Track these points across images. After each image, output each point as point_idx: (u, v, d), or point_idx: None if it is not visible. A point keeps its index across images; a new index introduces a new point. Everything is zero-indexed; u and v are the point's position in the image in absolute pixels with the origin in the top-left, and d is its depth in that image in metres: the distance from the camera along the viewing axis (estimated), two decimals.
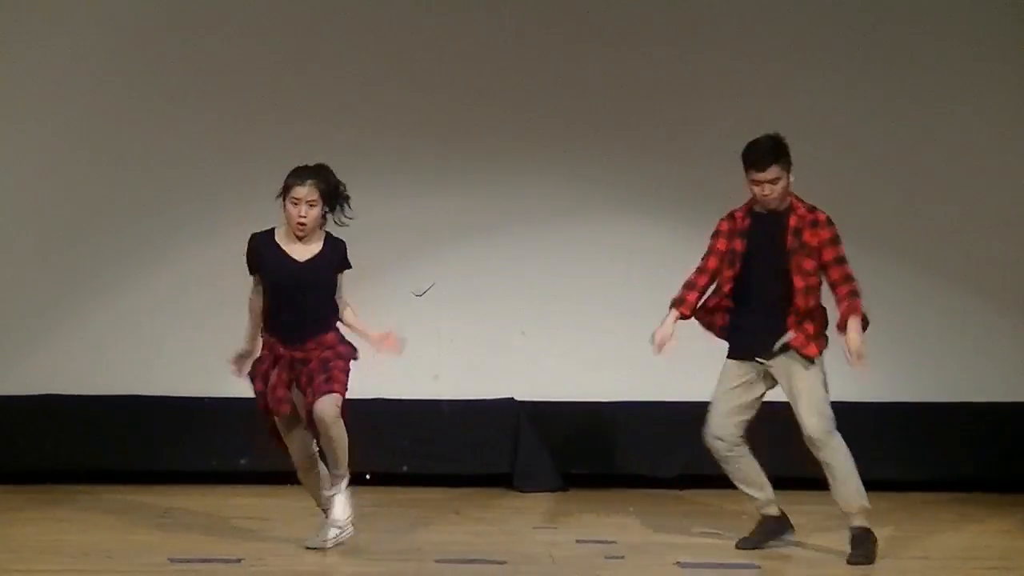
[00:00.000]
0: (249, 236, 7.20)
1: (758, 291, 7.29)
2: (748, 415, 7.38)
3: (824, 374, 7.37)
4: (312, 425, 7.10)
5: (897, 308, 9.38)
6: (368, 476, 9.20)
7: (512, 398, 9.33)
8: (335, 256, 7.19)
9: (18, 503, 8.39)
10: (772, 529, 7.49)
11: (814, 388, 7.30)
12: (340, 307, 7.26)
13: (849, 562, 7.16)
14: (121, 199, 9.26)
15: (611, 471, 9.24)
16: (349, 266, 7.22)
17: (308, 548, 7.17)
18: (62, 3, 9.30)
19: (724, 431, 7.35)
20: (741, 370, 7.36)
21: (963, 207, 9.41)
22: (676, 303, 7.37)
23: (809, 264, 7.24)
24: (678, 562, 7.05)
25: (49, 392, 9.19)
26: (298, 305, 7.10)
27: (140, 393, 9.08)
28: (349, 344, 7.26)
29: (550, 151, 9.34)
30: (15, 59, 9.24)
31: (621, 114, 9.33)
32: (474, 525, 8.02)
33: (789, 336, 7.23)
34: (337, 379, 7.09)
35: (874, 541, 7.24)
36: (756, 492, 7.45)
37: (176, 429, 9.05)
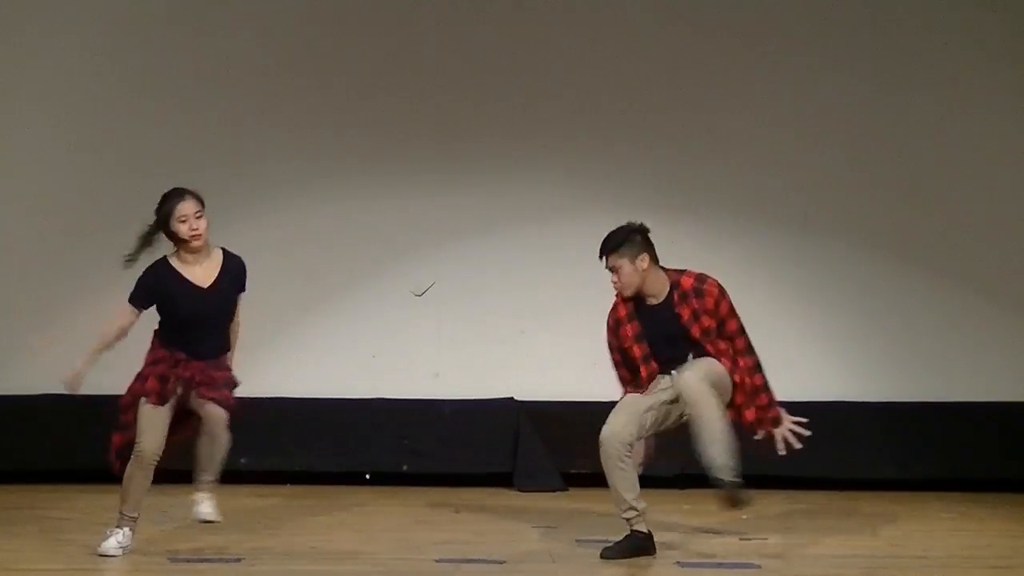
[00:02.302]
0: (143, 271, 7.10)
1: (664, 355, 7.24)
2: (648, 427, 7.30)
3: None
4: (191, 426, 7.10)
5: (897, 307, 9.40)
6: (368, 475, 9.22)
7: (512, 397, 9.33)
8: (237, 277, 7.11)
9: (19, 502, 8.39)
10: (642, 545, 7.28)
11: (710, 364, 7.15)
12: (231, 328, 7.15)
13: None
14: (122, 198, 9.24)
15: None
16: (244, 289, 7.11)
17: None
18: (62, 4, 9.30)
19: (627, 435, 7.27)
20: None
21: (963, 207, 9.41)
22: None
23: (707, 321, 7.18)
24: (678, 562, 7.05)
25: (49, 392, 9.17)
26: (202, 329, 7.04)
27: None
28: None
29: (550, 150, 9.35)
30: (15, 59, 9.24)
31: (622, 113, 9.33)
32: (474, 524, 8.01)
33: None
34: (232, 398, 7.02)
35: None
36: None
37: None
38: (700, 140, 9.07)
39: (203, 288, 7.04)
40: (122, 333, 7.19)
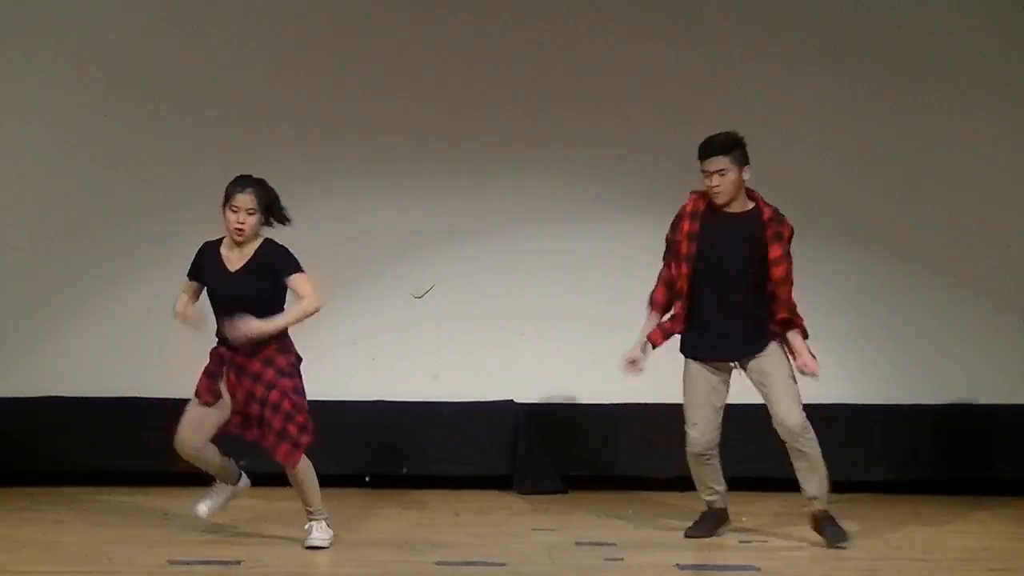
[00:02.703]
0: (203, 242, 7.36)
1: (725, 292, 7.39)
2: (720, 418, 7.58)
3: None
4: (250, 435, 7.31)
5: (896, 310, 9.40)
6: (368, 478, 9.22)
7: (512, 400, 9.33)
8: (268, 263, 7.20)
9: (19, 504, 8.40)
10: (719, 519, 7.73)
11: (791, 381, 7.44)
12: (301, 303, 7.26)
13: (831, 545, 7.39)
14: (121, 200, 9.27)
15: (610, 473, 9.24)
16: (291, 270, 7.20)
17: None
18: (63, 4, 9.30)
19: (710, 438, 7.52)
20: (710, 372, 7.51)
21: (963, 208, 9.41)
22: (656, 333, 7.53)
23: (779, 271, 7.41)
24: (677, 564, 7.05)
25: (50, 394, 9.19)
26: (232, 314, 7.13)
27: (140, 395, 9.07)
28: (289, 353, 7.27)
29: (551, 152, 9.35)
30: (15, 60, 9.24)
31: (623, 114, 9.33)
32: (474, 527, 8.02)
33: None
34: (295, 421, 7.16)
35: (835, 521, 7.52)
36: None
37: (174, 431, 9.03)
38: (699, 142, 9.03)
39: (230, 272, 7.24)
40: (188, 303, 7.39)
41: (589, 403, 9.29)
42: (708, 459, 7.58)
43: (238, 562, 6.90)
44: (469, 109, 9.35)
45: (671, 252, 7.52)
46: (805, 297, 9.35)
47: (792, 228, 7.51)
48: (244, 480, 7.61)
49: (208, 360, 7.35)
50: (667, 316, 7.55)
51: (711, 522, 7.72)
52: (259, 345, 7.16)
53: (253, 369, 7.19)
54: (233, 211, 7.19)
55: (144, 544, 7.30)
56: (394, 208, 9.32)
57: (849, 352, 9.37)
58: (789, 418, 7.38)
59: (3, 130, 9.24)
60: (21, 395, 9.13)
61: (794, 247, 9.36)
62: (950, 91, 9.39)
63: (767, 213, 7.43)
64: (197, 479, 8.69)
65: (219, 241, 7.33)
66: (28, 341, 9.21)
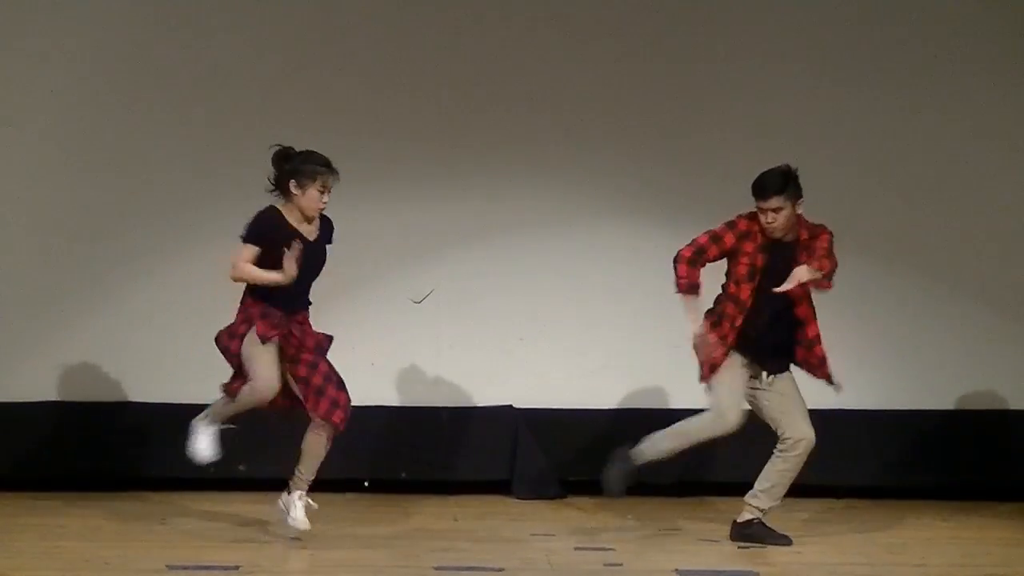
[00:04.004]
0: (266, 207, 7.53)
1: (771, 309, 7.59)
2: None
3: None
4: (291, 407, 7.57)
5: (896, 315, 9.39)
6: (367, 482, 9.21)
7: (510, 405, 9.33)
8: (327, 233, 7.66)
9: (17, 509, 8.39)
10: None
11: (801, 399, 7.74)
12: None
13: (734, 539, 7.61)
14: (123, 203, 9.26)
15: None
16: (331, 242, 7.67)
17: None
18: (64, 4, 9.30)
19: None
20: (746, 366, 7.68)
21: (965, 213, 9.40)
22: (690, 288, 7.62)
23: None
24: (676, 569, 7.05)
25: (47, 399, 9.18)
26: (304, 281, 7.52)
27: (138, 400, 9.07)
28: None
29: (550, 156, 9.34)
30: (16, 59, 9.25)
31: (622, 118, 9.33)
32: (472, 532, 8.01)
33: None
34: (342, 396, 7.54)
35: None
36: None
37: (174, 436, 9.02)
38: (700, 146, 9.07)
39: (311, 241, 7.53)
40: (253, 270, 7.52)
41: (588, 408, 9.28)
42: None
43: (236, 567, 6.90)
44: (469, 115, 9.34)
45: (726, 253, 7.64)
46: None
47: (830, 233, 7.71)
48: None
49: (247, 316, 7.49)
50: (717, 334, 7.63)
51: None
52: (304, 311, 7.62)
53: (309, 343, 7.56)
54: (320, 191, 7.46)
55: (142, 549, 7.30)
56: (393, 213, 9.32)
57: (848, 357, 9.32)
58: (808, 433, 7.63)
59: (3, 132, 9.23)
60: (19, 400, 9.12)
61: None
62: (952, 95, 9.38)
63: (803, 235, 7.63)
64: (196, 484, 8.73)
65: (276, 211, 7.51)
66: (27, 346, 9.19)
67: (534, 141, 9.33)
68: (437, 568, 6.95)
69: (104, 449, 9.11)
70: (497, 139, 9.34)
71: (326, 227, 7.62)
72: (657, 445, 7.68)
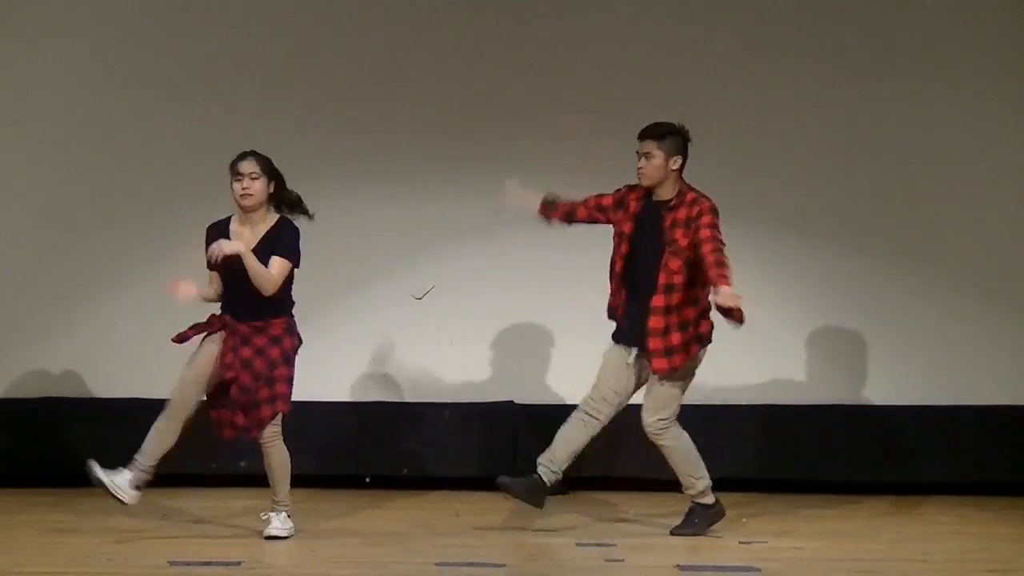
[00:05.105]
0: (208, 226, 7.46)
1: (640, 280, 7.60)
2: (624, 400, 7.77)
3: (683, 380, 7.66)
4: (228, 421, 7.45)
5: (895, 310, 9.38)
6: (368, 479, 9.21)
7: (512, 401, 9.32)
8: (272, 240, 7.34)
9: (18, 506, 8.39)
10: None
11: (666, 390, 7.63)
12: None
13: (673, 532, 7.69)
14: (124, 199, 9.27)
15: (611, 474, 9.23)
16: (281, 252, 7.31)
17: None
18: (64, 4, 9.30)
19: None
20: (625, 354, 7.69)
21: (963, 210, 9.39)
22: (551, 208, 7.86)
23: (675, 264, 7.51)
24: (678, 565, 7.04)
25: (49, 395, 9.18)
26: (242, 290, 7.29)
27: (140, 396, 9.06)
28: (294, 335, 7.42)
29: (552, 153, 9.33)
30: (16, 58, 9.25)
31: (624, 115, 9.29)
32: (474, 528, 8.00)
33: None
34: (280, 395, 7.34)
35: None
36: None
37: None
38: (698, 141, 9.00)
39: (250, 248, 7.27)
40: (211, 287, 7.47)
41: None
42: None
43: (238, 563, 6.89)
44: (470, 111, 9.34)
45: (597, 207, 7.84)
46: (804, 299, 9.40)
47: (710, 205, 7.62)
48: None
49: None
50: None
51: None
52: (269, 318, 7.30)
53: (258, 343, 7.31)
54: (237, 179, 7.31)
55: (144, 545, 7.30)
56: (394, 209, 9.32)
57: (848, 353, 9.37)
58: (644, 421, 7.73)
59: (5, 130, 9.23)
60: (19, 396, 9.13)
61: (794, 249, 9.41)
62: (951, 92, 9.37)
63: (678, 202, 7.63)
64: (198, 480, 8.73)
65: (227, 220, 7.41)
66: (27, 342, 9.20)
67: (537, 137, 9.32)
68: (439, 564, 6.94)
69: (105, 445, 9.10)
70: (500, 135, 9.34)
71: (276, 234, 7.38)
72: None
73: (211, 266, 7.32)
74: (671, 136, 7.62)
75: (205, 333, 7.42)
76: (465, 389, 9.31)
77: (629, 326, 7.65)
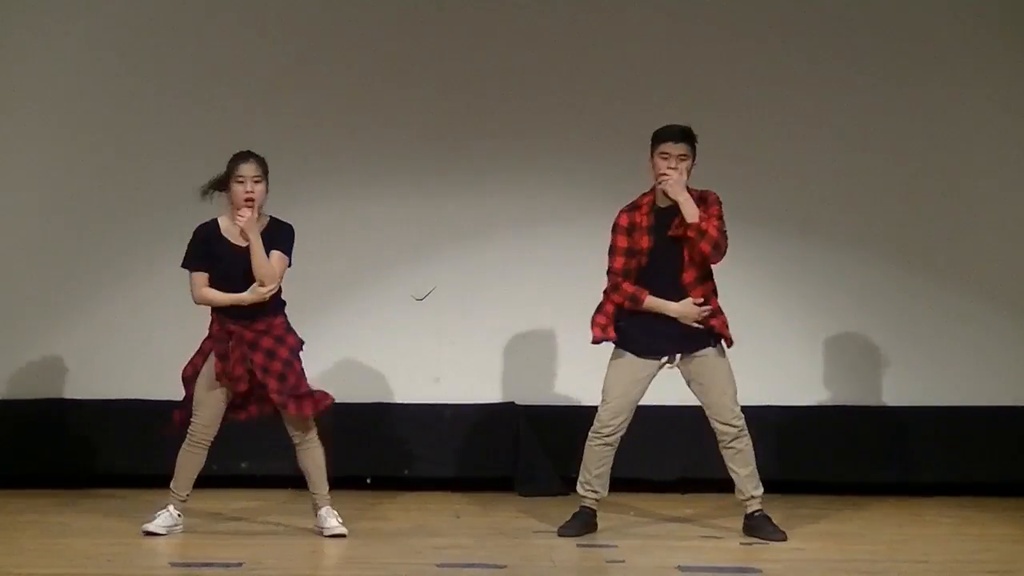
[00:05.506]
0: (195, 228, 7.43)
1: (663, 285, 7.56)
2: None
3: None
4: (264, 413, 7.49)
5: (897, 311, 9.39)
6: (369, 479, 9.22)
7: (513, 402, 9.33)
8: (274, 238, 7.35)
9: (19, 507, 8.39)
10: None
11: (730, 379, 7.59)
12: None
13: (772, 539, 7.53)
14: (125, 198, 9.27)
15: (611, 474, 9.22)
16: (278, 247, 7.33)
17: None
18: (64, 3, 9.31)
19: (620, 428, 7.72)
20: (643, 365, 7.66)
21: (964, 211, 9.40)
22: (636, 299, 7.62)
23: (694, 254, 7.50)
24: (679, 566, 7.04)
25: (50, 396, 9.18)
26: (241, 290, 7.31)
27: (141, 397, 9.07)
28: (293, 334, 7.46)
29: (552, 154, 9.34)
30: (17, 57, 9.25)
31: (624, 116, 9.32)
32: (475, 529, 8.01)
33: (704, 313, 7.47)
34: (316, 391, 7.47)
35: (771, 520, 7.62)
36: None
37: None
38: (702, 142, 9.03)
39: (242, 248, 7.29)
40: (209, 293, 7.43)
41: (590, 405, 9.25)
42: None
43: (239, 564, 6.89)
44: (470, 112, 9.35)
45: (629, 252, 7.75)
46: (806, 299, 9.41)
47: (715, 196, 7.63)
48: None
49: (204, 347, 7.46)
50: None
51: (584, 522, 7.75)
52: (269, 318, 7.31)
53: (265, 344, 7.32)
54: (239, 182, 7.27)
55: (145, 546, 7.30)
56: (395, 210, 9.32)
57: (850, 354, 9.37)
58: (732, 417, 7.63)
59: (6, 129, 9.24)
60: (21, 397, 9.13)
61: (795, 250, 9.42)
62: (952, 93, 9.38)
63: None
64: (199, 481, 8.70)
65: (213, 222, 7.39)
66: (28, 343, 9.20)
67: (537, 138, 9.33)
68: (439, 565, 6.94)
69: (106, 446, 9.12)
70: (500, 136, 9.35)
71: (273, 233, 7.39)
72: None
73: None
74: (695, 142, 7.60)
75: (211, 351, 7.42)
76: (466, 390, 9.31)
77: (651, 336, 7.60)
